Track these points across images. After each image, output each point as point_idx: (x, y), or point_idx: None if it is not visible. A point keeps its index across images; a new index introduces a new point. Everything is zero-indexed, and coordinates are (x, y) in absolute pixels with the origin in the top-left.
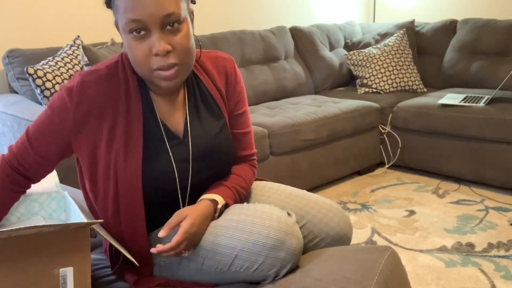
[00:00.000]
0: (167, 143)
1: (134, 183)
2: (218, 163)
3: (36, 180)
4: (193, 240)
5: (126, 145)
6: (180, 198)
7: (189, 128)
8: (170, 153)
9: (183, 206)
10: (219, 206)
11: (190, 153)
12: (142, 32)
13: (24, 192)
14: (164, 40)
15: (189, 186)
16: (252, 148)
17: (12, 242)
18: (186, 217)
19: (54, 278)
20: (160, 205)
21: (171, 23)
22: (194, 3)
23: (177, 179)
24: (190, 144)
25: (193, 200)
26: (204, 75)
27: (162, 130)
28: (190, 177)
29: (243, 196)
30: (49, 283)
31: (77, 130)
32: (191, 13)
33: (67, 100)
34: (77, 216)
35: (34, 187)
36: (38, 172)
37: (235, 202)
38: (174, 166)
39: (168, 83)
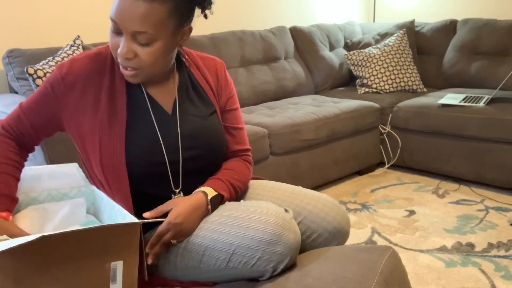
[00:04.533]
0: (152, 115)
1: (117, 150)
2: (209, 145)
3: (30, 147)
4: (180, 231)
5: (110, 115)
6: (171, 177)
7: (177, 106)
8: (156, 125)
9: (175, 187)
10: (209, 197)
11: (179, 128)
12: (117, 31)
13: (25, 154)
14: (130, 47)
15: (180, 163)
16: (245, 144)
17: (68, 238)
18: (175, 207)
19: (105, 271)
20: (152, 183)
21: (142, 38)
22: (206, 17)
23: (164, 150)
24: (178, 120)
25: (186, 185)
26: (195, 69)
27: (148, 103)
28: (180, 152)
29: (240, 190)
30: (100, 276)
31: (65, 100)
32: (185, 34)
33: (57, 72)
34: (120, 211)
35: (61, 183)
36: (30, 138)
37: (231, 194)
38: (160, 138)
39: (127, 79)
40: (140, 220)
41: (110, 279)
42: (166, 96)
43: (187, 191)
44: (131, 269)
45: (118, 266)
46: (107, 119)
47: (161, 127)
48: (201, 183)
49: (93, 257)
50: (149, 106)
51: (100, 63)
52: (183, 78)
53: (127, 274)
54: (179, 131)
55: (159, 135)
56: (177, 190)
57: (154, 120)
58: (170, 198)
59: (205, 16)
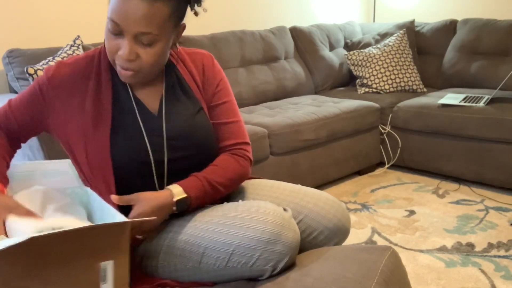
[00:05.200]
0: (138, 116)
1: (102, 154)
2: (195, 145)
3: (17, 143)
4: (141, 228)
5: (95, 118)
6: (155, 178)
7: (163, 106)
8: (142, 126)
9: (160, 187)
10: (175, 199)
11: (164, 128)
12: (117, 33)
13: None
14: (132, 48)
15: (165, 164)
16: (237, 138)
17: (57, 238)
18: (138, 203)
19: (96, 271)
20: (136, 184)
21: (145, 39)
22: (197, 15)
23: (149, 152)
24: (163, 119)
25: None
26: (182, 66)
27: (134, 104)
28: (165, 152)
29: (223, 186)
30: (91, 275)
31: (51, 102)
32: (180, 32)
33: (45, 75)
34: (109, 210)
35: (55, 182)
36: (16, 135)
37: (206, 193)
38: (146, 140)
39: (124, 79)
40: (129, 219)
41: (100, 279)
42: (153, 96)
43: None
44: (122, 269)
45: (108, 266)
46: (92, 122)
47: (146, 128)
48: None
49: (83, 257)
50: (135, 108)
51: (87, 66)
52: (170, 76)
53: (118, 274)
54: (164, 132)
55: (145, 137)
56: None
57: (140, 121)
58: None
59: (196, 14)
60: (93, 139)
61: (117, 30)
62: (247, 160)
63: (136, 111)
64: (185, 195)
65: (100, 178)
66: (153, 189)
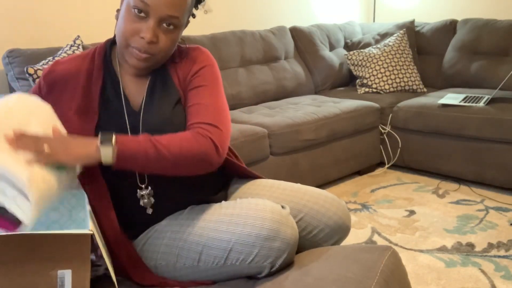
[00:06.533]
0: (125, 113)
1: None
2: None
3: None
4: (56, 141)
5: (82, 115)
6: (137, 176)
7: (143, 102)
8: (127, 123)
9: (141, 182)
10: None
11: (140, 125)
12: (142, 14)
13: None
14: (155, 31)
15: None
16: (198, 118)
17: (11, 240)
18: None
19: (52, 279)
20: (119, 178)
21: (169, 23)
22: (194, 17)
23: None
24: (141, 116)
25: (152, 180)
26: (170, 63)
27: (123, 101)
28: None
29: (166, 149)
30: (46, 283)
31: (47, 99)
32: (187, 24)
33: (42, 73)
34: (86, 220)
35: None
36: None
37: (139, 143)
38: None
39: (136, 62)
40: (90, 231)
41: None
42: (139, 93)
43: (153, 186)
44: (82, 280)
45: (66, 274)
46: (78, 119)
47: (130, 126)
48: (167, 178)
49: (38, 263)
50: (123, 105)
51: (80, 64)
52: (156, 72)
53: (77, 285)
54: (140, 129)
55: (129, 134)
56: (143, 186)
57: (126, 118)
58: (135, 193)
59: (193, 15)
60: (79, 133)
61: (143, 12)
62: (207, 139)
63: (124, 108)
64: (110, 136)
65: (88, 175)
66: (135, 186)
